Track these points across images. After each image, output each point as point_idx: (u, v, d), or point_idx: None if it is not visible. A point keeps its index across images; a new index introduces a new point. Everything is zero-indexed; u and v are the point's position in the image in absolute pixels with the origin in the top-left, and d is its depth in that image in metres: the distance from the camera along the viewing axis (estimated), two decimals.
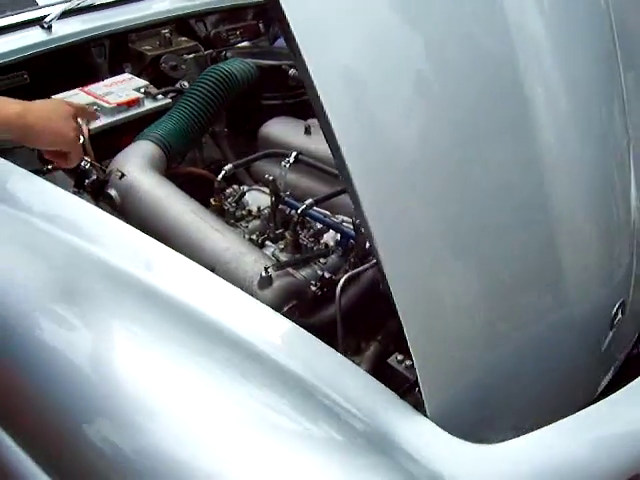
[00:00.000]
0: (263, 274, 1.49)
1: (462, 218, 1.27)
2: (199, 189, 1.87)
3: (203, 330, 1.32)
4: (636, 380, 1.46)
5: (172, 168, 1.90)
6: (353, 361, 1.40)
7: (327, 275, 1.60)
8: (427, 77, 1.21)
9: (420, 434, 1.22)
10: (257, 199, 1.85)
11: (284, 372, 1.26)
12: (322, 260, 1.65)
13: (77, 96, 1.96)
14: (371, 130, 1.13)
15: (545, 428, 1.30)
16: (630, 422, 1.40)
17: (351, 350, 1.62)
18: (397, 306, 1.16)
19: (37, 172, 1.71)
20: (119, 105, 1.94)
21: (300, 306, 1.55)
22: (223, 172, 1.77)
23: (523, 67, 1.28)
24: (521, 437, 1.27)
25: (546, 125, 1.33)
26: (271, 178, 1.70)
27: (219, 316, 1.34)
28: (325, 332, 1.45)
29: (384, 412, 1.25)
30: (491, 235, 1.31)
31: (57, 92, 1.99)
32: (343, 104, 1.08)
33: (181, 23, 2.39)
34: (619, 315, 1.52)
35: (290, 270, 1.58)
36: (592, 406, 1.38)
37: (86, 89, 2.00)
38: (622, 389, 1.44)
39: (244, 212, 1.81)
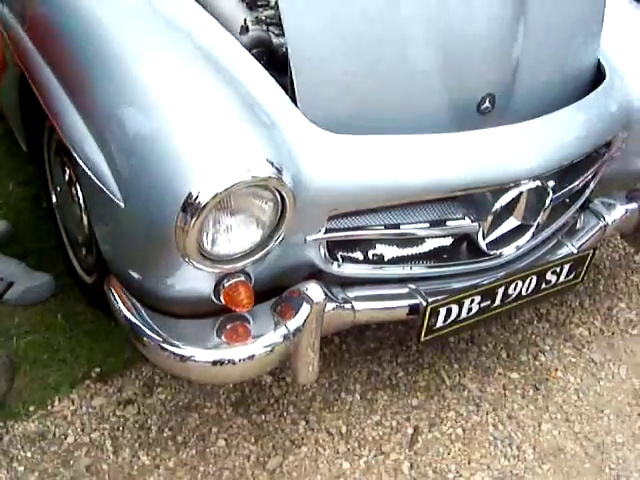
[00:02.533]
0: (242, 24, 2.18)
1: None
2: None
3: (197, 52, 2.01)
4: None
5: None
6: None
7: None
8: None
9: (291, 120, 1.89)
10: None
11: (230, 80, 1.96)
12: None
13: None
14: None
15: (392, 135, 1.93)
16: (457, 156, 2.00)
17: None
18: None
19: None
20: None
21: (270, 59, 2.19)
22: None
23: None
24: (371, 135, 1.91)
25: None
26: None
27: (209, 43, 2.05)
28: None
29: (278, 107, 1.93)
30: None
31: None
32: None
33: None
34: (486, 104, 2.09)
35: (270, 34, 2.25)
36: (434, 134, 1.98)
37: None
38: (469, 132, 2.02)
39: (264, 2, 2.48)
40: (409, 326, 2.58)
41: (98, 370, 2.38)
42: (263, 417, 2.31)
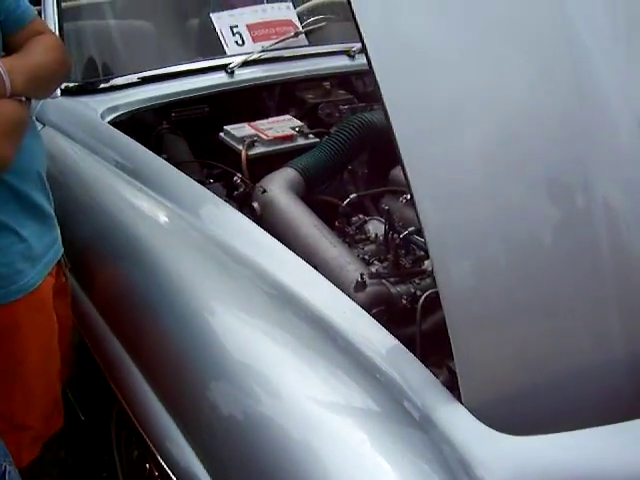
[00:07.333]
0: (359, 279, 1.81)
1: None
2: (332, 214, 2.22)
3: (303, 317, 1.64)
4: None
5: (310, 194, 2.25)
6: (433, 372, 1.66)
7: (419, 293, 1.88)
8: None
9: (453, 417, 1.48)
10: (378, 228, 2.16)
11: (359, 358, 1.57)
12: (417, 280, 1.93)
13: (243, 128, 2.38)
14: None
15: (578, 431, 1.50)
16: None
17: (432, 362, 1.87)
18: (444, 307, 1.45)
19: (200, 182, 2.11)
20: (275, 139, 2.34)
21: (390, 314, 1.84)
22: (348, 200, 2.12)
23: None
24: (552, 435, 1.48)
25: None
26: (386, 208, 2.02)
27: (318, 306, 1.67)
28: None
29: (430, 398, 1.52)
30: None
31: (229, 124, 2.43)
32: None
33: (342, 79, 2.78)
34: None
35: (386, 283, 1.88)
36: (627, 422, 1.55)
37: (252, 123, 2.41)
38: None
39: (363, 237, 2.13)
40: None
41: None
42: None
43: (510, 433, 1.47)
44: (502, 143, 1.54)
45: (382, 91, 1.39)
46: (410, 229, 1.93)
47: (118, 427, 2.08)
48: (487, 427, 1.46)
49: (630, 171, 1.63)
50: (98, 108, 2.38)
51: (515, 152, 1.54)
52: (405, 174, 1.42)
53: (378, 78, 1.39)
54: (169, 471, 1.57)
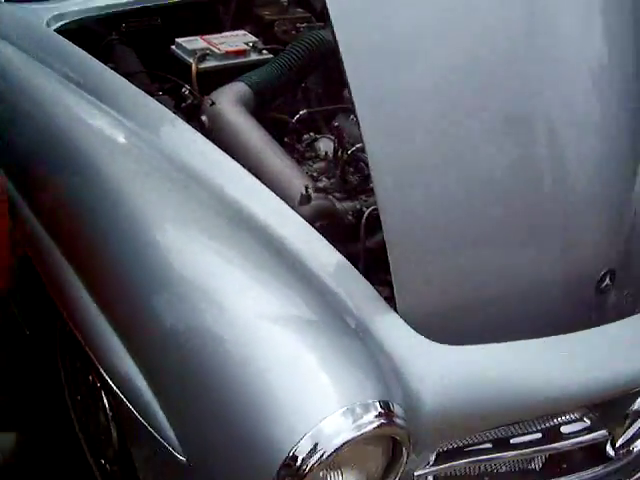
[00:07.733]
0: (303, 192, 1.80)
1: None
2: (283, 132, 2.20)
3: (247, 230, 1.64)
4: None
5: (262, 110, 2.22)
6: (376, 288, 1.66)
7: (364, 210, 1.87)
8: None
9: (390, 328, 1.50)
10: (328, 146, 2.14)
11: (303, 271, 1.57)
12: (364, 197, 1.93)
13: (196, 41, 2.33)
14: None
15: (512, 342, 1.53)
16: (586, 360, 1.62)
17: (376, 279, 1.88)
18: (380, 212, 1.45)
19: (149, 94, 2.07)
20: (228, 53, 2.30)
21: (336, 229, 1.83)
22: (297, 116, 2.10)
23: None
24: (485, 345, 1.51)
25: None
26: (336, 124, 2.01)
27: (264, 220, 1.66)
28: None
29: (370, 311, 1.53)
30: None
31: (181, 37, 2.37)
32: None
33: None
34: (606, 281, 1.71)
35: (332, 199, 1.87)
36: (556, 336, 1.59)
37: (205, 37, 2.36)
38: (593, 329, 1.64)
39: (312, 154, 2.12)
40: None
41: None
42: None
43: (446, 344, 1.49)
44: (455, 72, 1.52)
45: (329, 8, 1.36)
46: (358, 146, 1.92)
47: (62, 340, 2.07)
48: (422, 337, 1.49)
49: (579, 109, 1.64)
50: (44, 15, 2.31)
51: (469, 82, 1.53)
52: (350, 94, 1.41)
53: None
54: (111, 382, 1.58)
